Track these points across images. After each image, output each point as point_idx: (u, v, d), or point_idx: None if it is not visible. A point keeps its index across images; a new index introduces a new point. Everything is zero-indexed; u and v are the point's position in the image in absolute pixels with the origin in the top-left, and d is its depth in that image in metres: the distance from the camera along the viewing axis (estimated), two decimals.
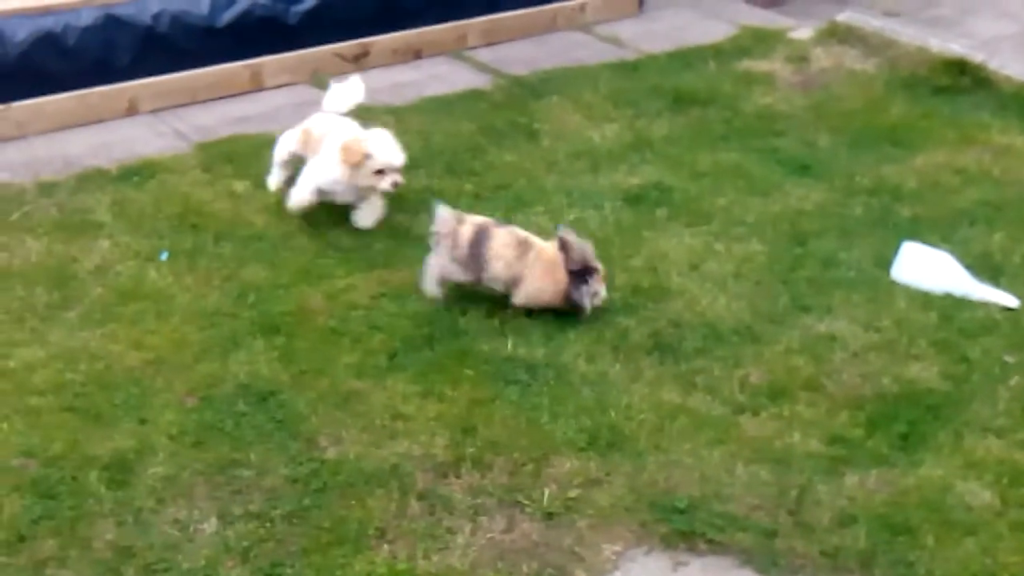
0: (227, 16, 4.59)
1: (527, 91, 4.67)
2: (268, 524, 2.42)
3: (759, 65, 4.99)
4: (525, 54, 5.08)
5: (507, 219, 3.67)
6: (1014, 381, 2.93)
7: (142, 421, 2.70)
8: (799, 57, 5.05)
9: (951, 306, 3.26)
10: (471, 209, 3.74)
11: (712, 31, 5.37)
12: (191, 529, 2.40)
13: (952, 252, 3.46)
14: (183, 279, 3.29)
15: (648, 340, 3.07)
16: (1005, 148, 4.25)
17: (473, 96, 4.61)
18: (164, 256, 3.37)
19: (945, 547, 2.41)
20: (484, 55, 5.06)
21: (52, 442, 2.61)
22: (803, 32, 5.32)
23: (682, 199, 3.85)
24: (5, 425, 2.67)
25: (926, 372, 2.97)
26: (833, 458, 2.66)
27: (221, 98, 4.51)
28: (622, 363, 2.98)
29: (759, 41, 5.25)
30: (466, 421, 2.73)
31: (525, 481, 2.56)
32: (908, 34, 5.12)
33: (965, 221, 3.74)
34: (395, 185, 3.49)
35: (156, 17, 4.46)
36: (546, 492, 2.53)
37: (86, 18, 4.32)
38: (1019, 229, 3.69)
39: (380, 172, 3.46)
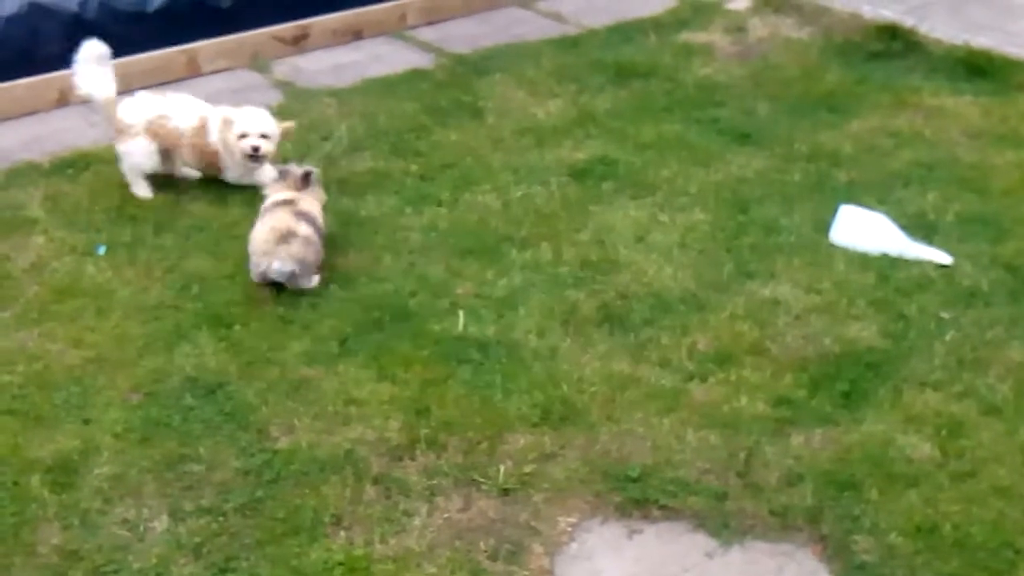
0: (157, 1, 4.46)
1: (470, 69, 4.64)
2: (221, 518, 2.39)
3: (698, 36, 5.03)
4: (467, 32, 5.04)
5: (454, 199, 3.68)
6: (950, 336, 3.03)
7: (85, 421, 2.65)
8: (736, 27, 5.10)
9: (888, 266, 3.34)
10: (418, 190, 3.73)
11: (651, 4, 5.39)
12: (141, 528, 2.36)
13: (887, 213, 3.55)
14: (123, 273, 3.22)
15: (597, 313, 3.10)
16: (936, 109, 4.35)
17: (416, 76, 4.57)
18: (101, 250, 3.29)
19: (889, 500, 2.49)
20: (426, 34, 5.01)
21: None
22: (740, 3, 5.37)
23: (627, 172, 3.88)
24: None
25: (865, 331, 3.04)
26: (779, 419, 2.73)
27: (157, 85, 4.39)
28: (572, 337, 3.00)
29: (697, 13, 5.28)
30: (419, 403, 2.73)
31: (480, 459, 2.58)
32: (841, 1, 5.20)
33: (899, 183, 3.83)
34: (255, 149, 3.54)
35: (83, 4, 4.31)
36: (501, 469, 2.55)
37: (9, 7, 4.17)
38: (951, 188, 3.79)
39: (243, 136, 3.53)
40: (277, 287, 3.08)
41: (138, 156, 3.60)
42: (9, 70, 4.16)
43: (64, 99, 4.24)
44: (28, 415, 2.66)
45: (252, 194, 3.54)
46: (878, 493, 2.51)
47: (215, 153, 3.63)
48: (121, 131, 3.59)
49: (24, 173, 3.73)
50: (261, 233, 3.00)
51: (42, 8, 4.23)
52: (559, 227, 3.52)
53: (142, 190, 3.64)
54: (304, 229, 3.04)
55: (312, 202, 3.23)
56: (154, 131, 3.59)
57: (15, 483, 2.46)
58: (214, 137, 3.60)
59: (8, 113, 4.15)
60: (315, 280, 3.08)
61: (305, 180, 3.20)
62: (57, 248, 3.33)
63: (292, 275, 2.98)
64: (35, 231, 3.41)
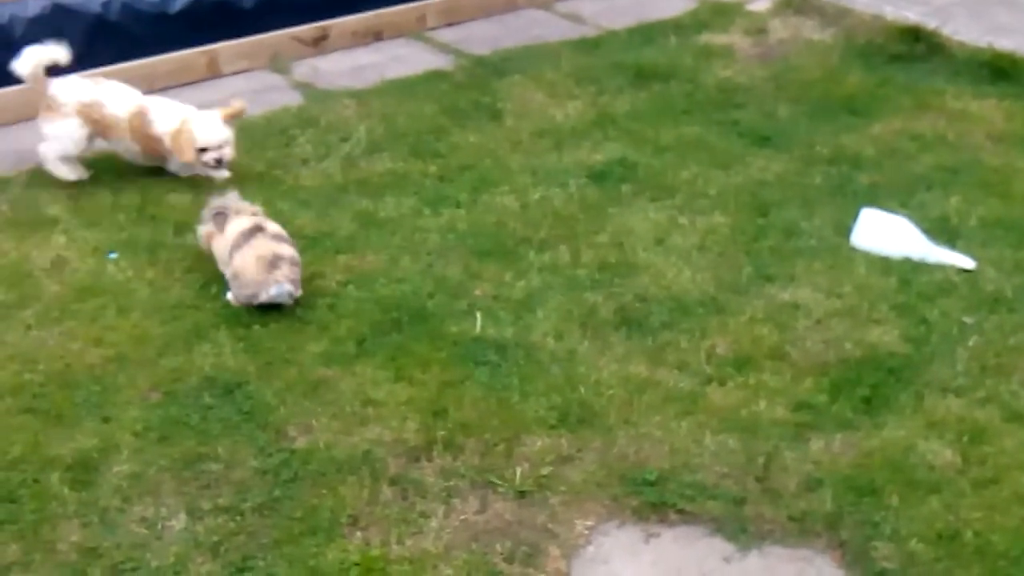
0: (180, 2, 4.50)
1: (489, 71, 4.64)
2: (238, 517, 2.40)
3: (718, 38, 5.00)
4: (486, 33, 5.05)
5: (473, 200, 3.68)
6: (972, 341, 2.99)
7: (105, 419, 2.66)
8: (757, 29, 5.07)
9: (910, 270, 3.30)
10: (436, 192, 3.73)
11: (672, 5, 5.37)
12: (159, 526, 2.37)
13: (910, 217, 3.51)
14: (143, 272, 3.24)
15: (615, 315, 3.09)
16: (959, 113, 4.31)
17: (435, 77, 4.58)
18: (113, 256, 3.31)
19: (910, 506, 2.46)
20: (445, 35, 5.02)
21: (12, 445, 2.57)
22: (761, 4, 5.34)
23: (646, 174, 3.86)
24: None
25: (887, 336, 3.01)
26: (799, 424, 2.70)
27: (178, 86, 4.43)
28: (590, 339, 2.99)
29: (718, 14, 5.26)
30: (437, 404, 2.73)
31: (497, 461, 2.57)
32: (863, 3, 5.15)
33: (922, 186, 3.79)
34: (219, 161, 3.59)
35: (106, 5, 4.36)
36: (518, 471, 2.54)
37: (33, 8, 4.21)
38: (974, 192, 3.74)
39: (203, 150, 3.55)
40: (266, 306, 3.04)
41: (65, 138, 3.62)
42: None
43: None
44: (49, 413, 2.68)
45: (272, 195, 3.55)
46: (899, 499, 2.48)
47: (159, 142, 3.64)
48: (50, 109, 3.59)
49: (45, 173, 3.76)
50: (249, 264, 3.01)
51: (65, 10, 4.28)
52: (577, 229, 3.51)
53: (64, 172, 3.66)
54: (286, 250, 3.07)
55: (267, 219, 3.19)
56: (87, 114, 3.59)
57: (35, 480, 2.48)
58: (159, 128, 3.60)
59: (32, 113, 4.18)
60: (299, 291, 3.09)
61: (221, 218, 3.17)
62: (78, 248, 3.35)
63: (291, 295, 3.01)
64: (56, 231, 3.44)
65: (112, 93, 3.67)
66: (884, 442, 2.65)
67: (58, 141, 3.63)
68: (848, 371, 2.88)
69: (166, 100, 3.73)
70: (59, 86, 3.62)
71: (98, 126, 3.65)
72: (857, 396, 2.79)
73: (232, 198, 3.26)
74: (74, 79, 3.69)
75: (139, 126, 3.64)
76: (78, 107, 3.59)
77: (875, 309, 3.12)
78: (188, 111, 3.67)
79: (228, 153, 3.62)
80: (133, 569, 2.28)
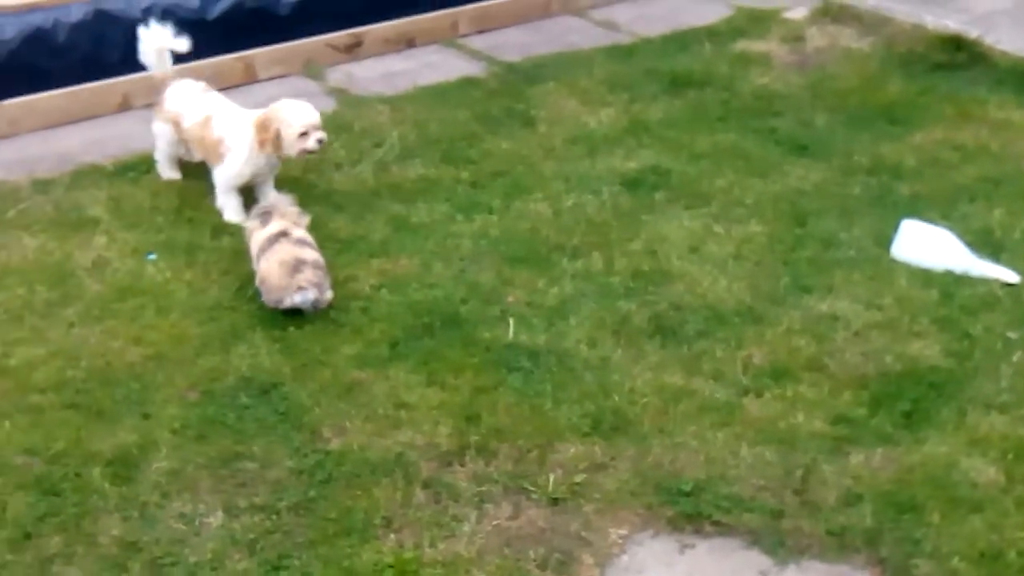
0: (218, 8, 4.56)
1: (522, 77, 4.64)
2: (274, 516, 2.41)
3: (755, 46, 4.97)
4: (519, 40, 5.05)
5: (505, 207, 3.68)
6: (1016, 357, 2.93)
7: (144, 416, 2.70)
8: (794, 37, 5.03)
9: (952, 283, 3.25)
10: (469, 198, 3.74)
11: (707, 13, 5.34)
12: (197, 523, 2.40)
13: (952, 229, 3.46)
14: (181, 274, 3.28)
15: (650, 324, 3.07)
16: (1003, 123, 4.24)
17: (468, 84, 4.59)
18: (152, 257, 3.35)
19: (951, 524, 2.42)
20: (478, 42, 5.04)
21: (55, 439, 2.61)
22: (798, 12, 5.30)
23: (680, 182, 3.84)
24: (7, 423, 2.66)
25: (928, 350, 2.96)
26: (837, 437, 2.66)
27: (215, 90, 4.48)
28: (624, 347, 2.97)
29: (754, 22, 5.23)
30: (469, 409, 2.73)
31: (530, 467, 2.56)
32: (903, 11, 5.10)
33: (964, 197, 3.73)
34: (320, 142, 3.45)
35: (147, 11, 4.42)
36: (551, 478, 2.53)
37: (76, 14, 4.29)
38: (1018, 204, 3.68)
39: (304, 135, 3.42)
40: (298, 310, 3.06)
41: (159, 139, 3.72)
42: (75, 75, 4.28)
43: (127, 104, 4.35)
44: (90, 409, 2.72)
45: (306, 199, 3.58)
46: (940, 517, 2.43)
47: (219, 143, 3.54)
48: (158, 107, 3.70)
49: (88, 175, 3.83)
50: (272, 269, 3.04)
51: (108, 15, 4.35)
52: (611, 237, 3.50)
53: (160, 168, 3.77)
54: (309, 254, 3.08)
55: (298, 225, 3.20)
56: (177, 122, 3.64)
57: (77, 475, 2.51)
58: (218, 131, 3.53)
59: (73, 116, 4.26)
60: (330, 294, 3.10)
61: (265, 218, 3.20)
62: (119, 248, 3.40)
63: (315, 301, 3.02)
64: (98, 231, 3.49)
65: (203, 107, 3.59)
66: (925, 458, 2.60)
67: (157, 140, 3.74)
68: (888, 385, 2.83)
69: (233, 105, 3.64)
70: (172, 88, 3.67)
71: (181, 136, 3.68)
72: (898, 410, 2.75)
73: (284, 201, 3.28)
74: (186, 85, 3.69)
75: (202, 135, 3.58)
76: (172, 115, 3.64)
77: (916, 322, 3.07)
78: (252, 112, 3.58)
79: (323, 134, 3.49)
80: (172, 564, 2.30)
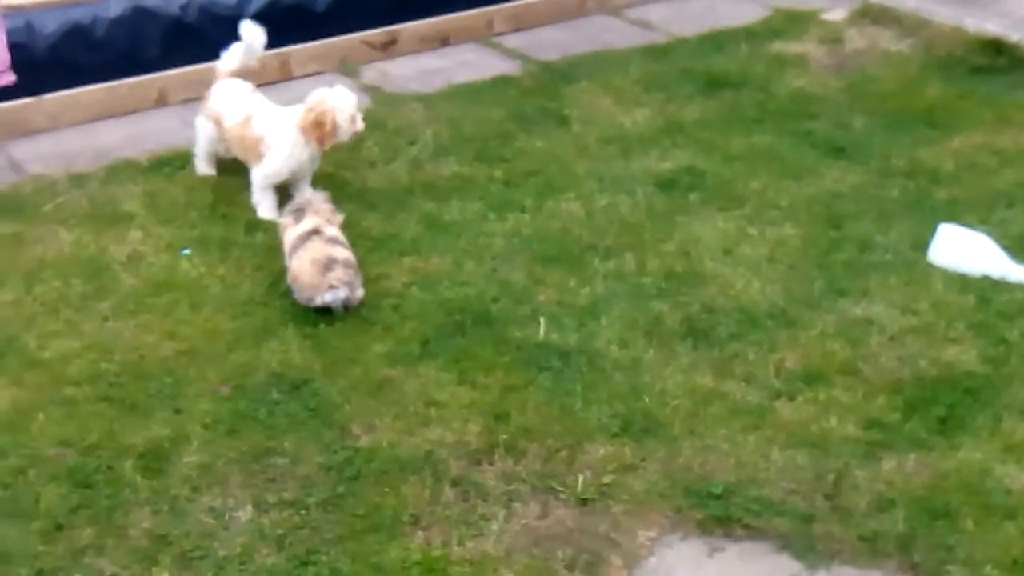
0: (255, 5, 4.60)
1: (557, 76, 4.63)
2: (303, 512, 2.43)
3: (792, 47, 4.91)
4: (554, 39, 5.04)
5: (538, 206, 3.67)
6: None
7: (176, 410, 2.73)
8: (832, 39, 4.96)
9: (989, 288, 3.19)
10: (502, 196, 3.74)
11: (744, 13, 5.29)
12: (226, 517, 2.42)
13: (990, 234, 3.39)
14: (215, 269, 3.31)
15: (682, 325, 3.04)
16: None
17: (502, 82, 4.59)
18: (186, 252, 3.39)
19: (985, 531, 2.37)
20: (512, 41, 5.03)
21: (88, 432, 2.64)
22: (836, 13, 5.23)
23: (715, 183, 3.80)
24: (42, 415, 2.70)
25: (964, 355, 2.91)
26: (870, 442, 2.62)
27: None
28: (655, 348, 2.95)
29: (792, 23, 5.17)
30: (499, 408, 2.73)
31: (559, 467, 2.55)
32: (943, 14, 5.00)
33: (1003, 202, 3.66)
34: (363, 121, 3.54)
35: (184, 7, 4.48)
36: (580, 478, 2.52)
37: (115, 9, 4.35)
38: None
39: (352, 117, 3.50)
40: (327, 309, 3.07)
41: (199, 133, 3.77)
42: (113, 70, 4.33)
43: (163, 99, 4.41)
44: (123, 403, 2.75)
45: (339, 197, 3.60)
46: (974, 523, 2.39)
47: (259, 142, 3.57)
48: (204, 101, 3.75)
49: (124, 170, 3.88)
50: (304, 267, 3.06)
51: (146, 11, 4.40)
52: (644, 237, 3.48)
53: (197, 163, 3.81)
54: (340, 252, 3.09)
55: (331, 223, 3.22)
56: (218, 120, 3.68)
57: (109, 467, 2.55)
58: (258, 130, 3.56)
59: (111, 112, 4.32)
60: (361, 292, 3.11)
61: (299, 214, 3.22)
62: (154, 243, 3.44)
63: (346, 300, 3.03)
64: (132, 226, 3.53)
65: (244, 107, 3.61)
66: (959, 464, 2.55)
67: (198, 134, 3.78)
68: (923, 390, 2.78)
69: (273, 105, 3.66)
70: (219, 86, 3.72)
71: (222, 136, 3.71)
72: (932, 416, 2.70)
73: (318, 198, 3.30)
74: (234, 84, 3.73)
75: (242, 135, 3.61)
76: (215, 113, 3.69)
77: (952, 327, 3.02)
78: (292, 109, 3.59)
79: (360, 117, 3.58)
80: (201, 557, 2.32)
